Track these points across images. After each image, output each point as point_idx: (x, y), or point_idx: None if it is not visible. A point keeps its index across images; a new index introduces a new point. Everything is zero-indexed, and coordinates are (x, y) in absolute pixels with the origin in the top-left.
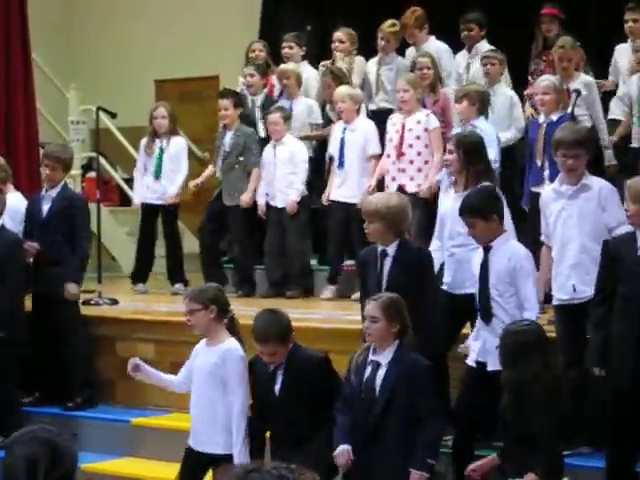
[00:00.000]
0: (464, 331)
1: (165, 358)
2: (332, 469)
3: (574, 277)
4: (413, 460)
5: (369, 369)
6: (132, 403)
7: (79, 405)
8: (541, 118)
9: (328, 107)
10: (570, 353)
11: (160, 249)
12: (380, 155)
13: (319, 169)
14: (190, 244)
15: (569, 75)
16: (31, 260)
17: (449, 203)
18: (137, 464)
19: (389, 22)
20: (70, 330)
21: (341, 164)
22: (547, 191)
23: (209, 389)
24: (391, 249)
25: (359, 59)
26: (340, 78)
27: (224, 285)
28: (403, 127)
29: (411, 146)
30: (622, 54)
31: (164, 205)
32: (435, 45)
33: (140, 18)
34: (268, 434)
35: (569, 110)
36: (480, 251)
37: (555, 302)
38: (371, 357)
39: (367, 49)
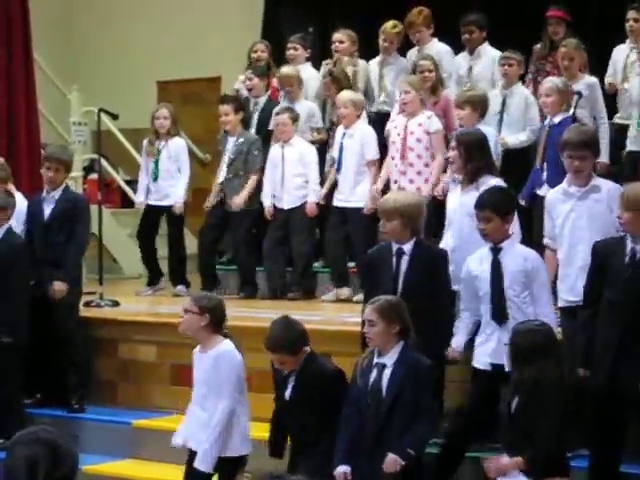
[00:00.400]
0: None
1: (166, 360)
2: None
3: (583, 279)
4: (394, 445)
5: (375, 372)
6: (133, 405)
7: (73, 408)
8: (545, 120)
9: (328, 108)
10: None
11: (162, 250)
12: (378, 160)
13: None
14: (191, 245)
15: (572, 75)
16: None
17: (456, 200)
18: (138, 466)
19: (391, 23)
20: (67, 332)
21: (339, 168)
22: (555, 192)
23: (204, 396)
24: (408, 247)
25: (363, 64)
26: (340, 82)
27: (217, 287)
28: (405, 129)
29: (412, 149)
30: (620, 54)
31: (166, 207)
32: (437, 47)
33: (142, 19)
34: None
35: (570, 112)
36: (478, 253)
37: (562, 304)
38: (376, 360)
39: (369, 50)
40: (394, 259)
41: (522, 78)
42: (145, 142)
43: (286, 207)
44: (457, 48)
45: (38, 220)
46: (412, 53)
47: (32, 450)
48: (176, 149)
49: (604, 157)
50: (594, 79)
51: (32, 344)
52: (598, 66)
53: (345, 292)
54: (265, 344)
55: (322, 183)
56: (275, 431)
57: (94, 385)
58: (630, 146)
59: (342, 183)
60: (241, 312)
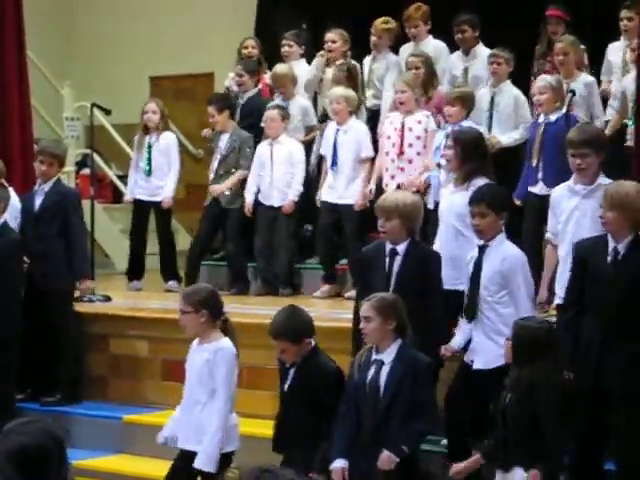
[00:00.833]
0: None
1: (158, 355)
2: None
3: None
4: (389, 442)
5: (373, 368)
6: (125, 400)
7: (58, 401)
8: (541, 118)
9: (327, 101)
10: None
11: (153, 246)
12: (372, 158)
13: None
14: (183, 241)
15: (568, 72)
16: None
17: (447, 198)
18: (129, 461)
19: (382, 19)
20: (62, 325)
21: (333, 165)
22: (560, 189)
23: (199, 388)
24: (401, 248)
25: (356, 66)
26: (355, 78)
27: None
28: (403, 126)
29: (411, 145)
30: (614, 52)
31: (157, 202)
32: (433, 44)
33: (135, 15)
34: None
35: (564, 110)
36: (475, 251)
37: (559, 301)
38: (374, 356)
39: (362, 50)
40: (387, 259)
41: (512, 76)
42: (136, 137)
43: (276, 204)
44: (451, 48)
45: (30, 213)
46: (405, 49)
47: (42, 440)
48: (166, 144)
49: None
50: (591, 78)
51: (24, 338)
52: (594, 65)
53: (333, 289)
54: (268, 331)
55: (309, 178)
56: (279, 426)
57: (85, 380)
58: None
59: (336, 179)
60: (232, 308)
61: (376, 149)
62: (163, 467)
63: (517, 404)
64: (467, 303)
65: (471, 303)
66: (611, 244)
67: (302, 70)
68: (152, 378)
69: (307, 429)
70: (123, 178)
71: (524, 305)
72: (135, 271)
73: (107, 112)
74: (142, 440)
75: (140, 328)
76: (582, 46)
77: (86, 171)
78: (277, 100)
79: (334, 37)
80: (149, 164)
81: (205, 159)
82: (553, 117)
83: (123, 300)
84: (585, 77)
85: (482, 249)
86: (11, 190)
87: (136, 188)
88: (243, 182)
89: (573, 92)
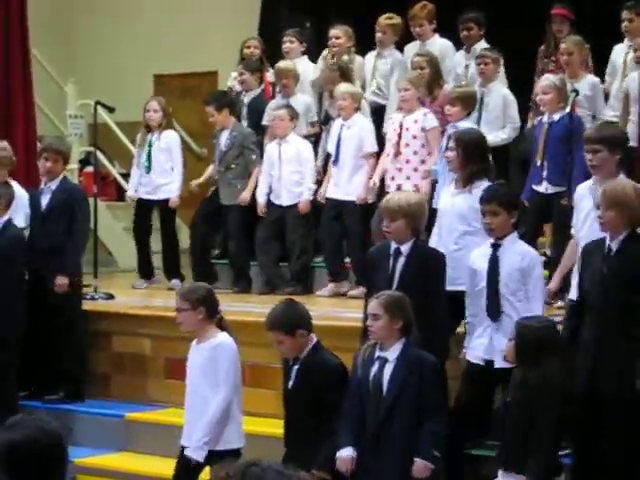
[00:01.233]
0: (460, 330)
1: (160, 353)
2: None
3: None
4: (418, 450)
5: (376, 365)
6: (127, 398)
7: (61, 399)
8: (545, 118)
9: (327, 103)
10: None
11: (156, 244)
12: (376, 153)
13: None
14: (186, 239)
15: (573, 72)
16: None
17: (448, 200)
18: (131, 459)
19: (386, 15)
20: (66, 323)
21: (336, 161)
22: (582, 187)
23: (202, 387)
24: (405, 248)
25: (358, 59)
26: (347, 76)
27: (214, 282)
28: (401, 126)
29: (408, 145)
30: (618, 53)
31: (160, 201)
32: (440, 42)
33: (139, 12)
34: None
35: (567, 110)
36: (482, 248)
37: (573, 297)
38: (378, 353)
39: (366, 48)
40: (391, 259)
41: (514, 75)
42: (139, 135)
43: (285, 204)
44: (456, 46)
45: (37, 211)
46: (410, 47)
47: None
48: (168, 142)
49: None
50: (596, 78)
51: (28, 335)
52: (596, 66)
53: (341, 287)
54: (265, 323)
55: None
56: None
57: (88, 378)
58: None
59: (339, 175)
60: (235, 307)
61: (381, 147)
62: (166, 465)
63: (518, 405)
64: (488, 303)
65: (492, 303)
66: (607, 243)
67: (304, 66)
68: (155, 376)
69: (311, 426)
70: (126, 176)
71: (536, 305)
72: (144, 270)
73: (111, 110)
74: (145, 438)
75: (143, 326)
76: (587, 45)
77: (89, 169)
78: (279, 97)
79: (338, 33)
80: (148, 161)
81: (208, 158)
82: (556, 117)
83: (126, 298)
84: (590, 77)
85: (495, 248)
86: (16, 185)
87: (138, 186)
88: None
89: (576, 92)
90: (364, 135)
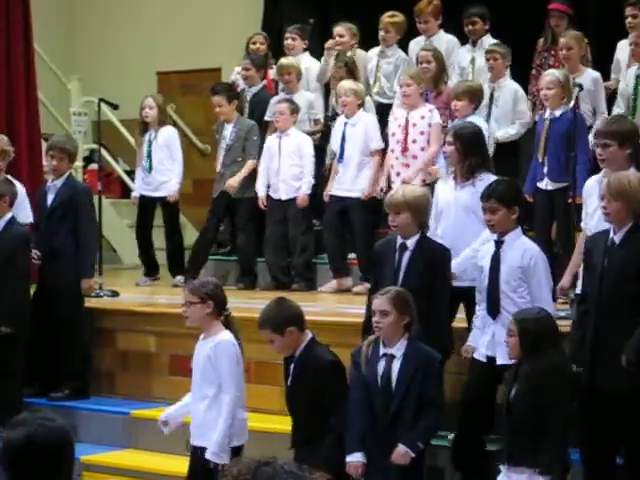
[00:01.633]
0: (462, 325)
1: (165, 350)
2: (341, 470)
3: None
4: (404, 437)
5: (383, 362)
6: (132, 395)
7: (66, 396)
8: (546, 113)
9: (334, 100)
10: None
11: (160, 241)
12: (382, 149)
13: (318, 163)
14: (191, 237)
15: (573, 67)
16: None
17: (448, 194)
18: (136, 456)
19: (389, 13)
20: (71, 321)
21: (341, 158)
22: (592, 180)
23: (204, 384)
24: (411, 243)
25: (361, 54)
26: (354, 72)
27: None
28: (407, 122)
29: (415, 141)
30: (622, 50)
31: (161, 198)
32: (446, 38)
33: (142, 9)
34: None
35: (571, 105)
36: (489, 245)
37: (579, 292)
38: (383, 350)
39: (370, 44)
40: (397, 254)
41: (512, 69)
42: (136, 135)
43: (283, 198)
44: (461, 42)
45: (43, 209)
46: (415, 43)
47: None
48: (166, 138)
49: None
50: (597, 73)
51: (33, 333)
52: (599, 62)
53: (344, 283)
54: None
55: (322, 176)
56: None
57: (93, 375)
58: None
59: (344, 172)
60: (240, 303)
61: (386, 145)
62: (170, 462)
63: (524, 397)
64: (488, 300)
65: (492, 300)
66: (611, 235)
67: (306, 63)
68: (160, 373)
69: (312, 424)
70: (130, 173)
71: (545, 299)
72: (149, 268)
73: (115, 107)
74: (150, 435)
75: (148, 323)
76: (586, 40)
77: (93, 166)
78: (282, 94)
79: (341, 31)
80: (149, 160)
81: (211, 153)
82: (558, 112)
83: (131, 295)
84: (591, 72)
85: (498, 244)
86: (18, 183)
87: (140, 185)
88: (253, 171)
89: (580, 86)
90: (370, 132)
